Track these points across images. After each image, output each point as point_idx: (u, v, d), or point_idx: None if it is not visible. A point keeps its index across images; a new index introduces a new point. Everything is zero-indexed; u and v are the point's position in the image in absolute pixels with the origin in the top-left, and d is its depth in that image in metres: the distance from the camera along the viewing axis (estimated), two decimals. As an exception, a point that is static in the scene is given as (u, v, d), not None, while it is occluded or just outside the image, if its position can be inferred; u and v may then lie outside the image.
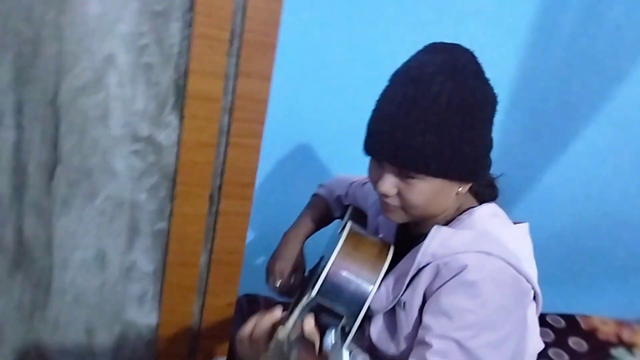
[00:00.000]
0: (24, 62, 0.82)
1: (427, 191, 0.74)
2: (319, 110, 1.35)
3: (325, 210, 1.10)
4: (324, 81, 1.32)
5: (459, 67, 0.72)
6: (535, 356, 0.84)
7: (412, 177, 0.73)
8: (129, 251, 0.99)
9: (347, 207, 1.10)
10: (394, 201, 0.77)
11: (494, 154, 0.80)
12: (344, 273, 0.77)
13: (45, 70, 0.83)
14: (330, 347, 0.61)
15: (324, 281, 0.76)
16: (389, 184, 0.75)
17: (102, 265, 0.99)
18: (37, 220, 0.93)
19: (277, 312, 0.69)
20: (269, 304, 1.37)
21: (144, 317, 1.05)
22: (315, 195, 1.13)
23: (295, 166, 1.45)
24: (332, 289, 0.76)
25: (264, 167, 1.32)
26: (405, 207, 0.77)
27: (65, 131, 0.87)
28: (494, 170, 0.83)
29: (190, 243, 1.00)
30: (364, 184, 1.05)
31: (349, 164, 1.05)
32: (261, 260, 1.20)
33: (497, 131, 0.79)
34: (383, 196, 0.78)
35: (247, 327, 0.70)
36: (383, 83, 0.78)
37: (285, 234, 1.07)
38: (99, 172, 0.92)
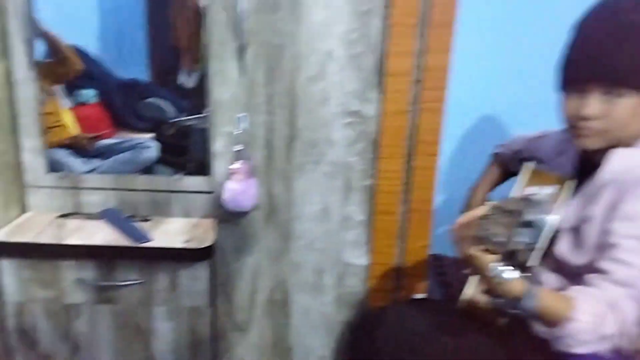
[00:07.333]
0: (272, 64, 1.16)
1: (629, 108, 0.86)
2: (500, 80, 1.52)
3: (504, 164, 1.26)
4: (503, 53, 1.49)
5: None
6: None
7: (617, 96, 0.86)
8: (345, 204, 1.27)
9: (522, 160, 1.25)
10: (595, 124, 0.89)
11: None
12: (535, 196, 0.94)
13: (286, 69, 1.16)
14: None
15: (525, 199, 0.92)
16: (594, 105, 0.88)
17: (326, 216, 1.28)
18: (282, 183, 1.25)
19: (483, 208, 0.89)
20: (452, 262, 1.56)
21: (358, 259, 1.32)
22: (494, 153, 1.30)
23: (478, 135, 1.62)
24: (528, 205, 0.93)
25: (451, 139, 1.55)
26: (606, 128, 0.88)
27: (299, 112, 1.19)
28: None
29: (391, 195, 1.24)
30: (539, 137, 1.19)
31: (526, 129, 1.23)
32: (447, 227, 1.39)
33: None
34: (583, 121, 0.89)
35: (460, 218, 0.91)
36: (558, 49, 0.94)
37: (470, 189, 1.26)
38: (323, 143, 1.22)
